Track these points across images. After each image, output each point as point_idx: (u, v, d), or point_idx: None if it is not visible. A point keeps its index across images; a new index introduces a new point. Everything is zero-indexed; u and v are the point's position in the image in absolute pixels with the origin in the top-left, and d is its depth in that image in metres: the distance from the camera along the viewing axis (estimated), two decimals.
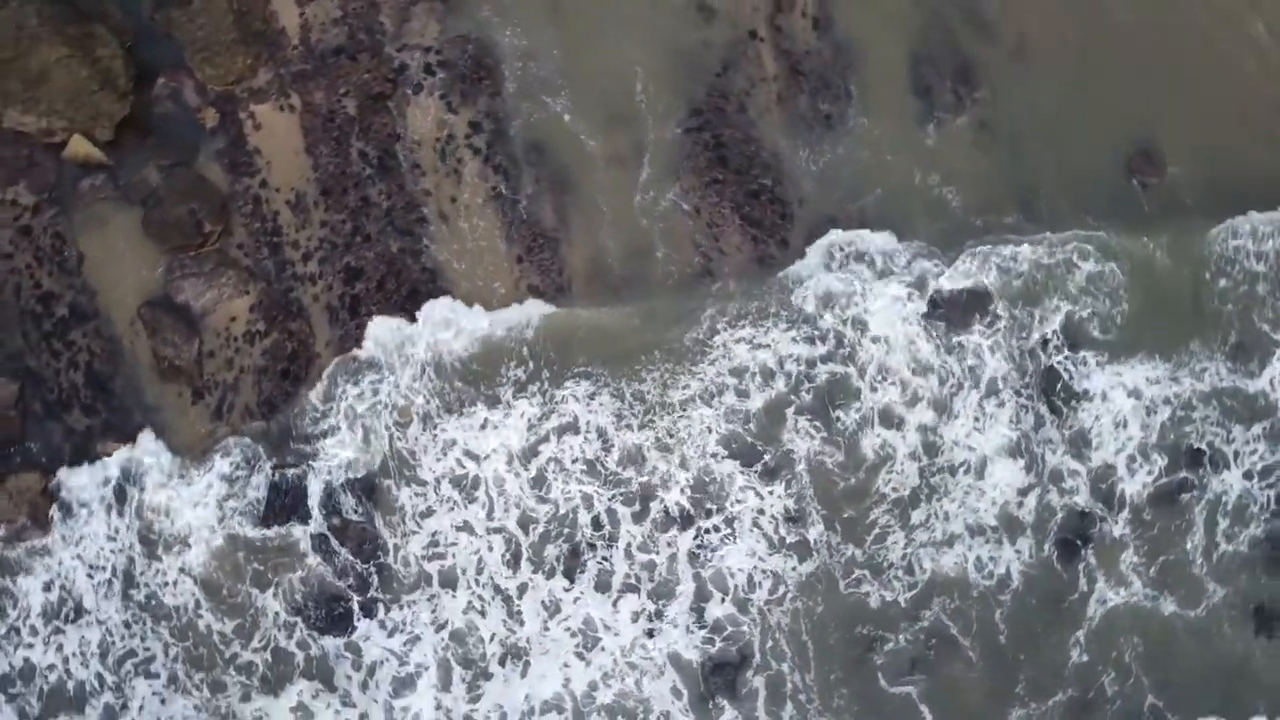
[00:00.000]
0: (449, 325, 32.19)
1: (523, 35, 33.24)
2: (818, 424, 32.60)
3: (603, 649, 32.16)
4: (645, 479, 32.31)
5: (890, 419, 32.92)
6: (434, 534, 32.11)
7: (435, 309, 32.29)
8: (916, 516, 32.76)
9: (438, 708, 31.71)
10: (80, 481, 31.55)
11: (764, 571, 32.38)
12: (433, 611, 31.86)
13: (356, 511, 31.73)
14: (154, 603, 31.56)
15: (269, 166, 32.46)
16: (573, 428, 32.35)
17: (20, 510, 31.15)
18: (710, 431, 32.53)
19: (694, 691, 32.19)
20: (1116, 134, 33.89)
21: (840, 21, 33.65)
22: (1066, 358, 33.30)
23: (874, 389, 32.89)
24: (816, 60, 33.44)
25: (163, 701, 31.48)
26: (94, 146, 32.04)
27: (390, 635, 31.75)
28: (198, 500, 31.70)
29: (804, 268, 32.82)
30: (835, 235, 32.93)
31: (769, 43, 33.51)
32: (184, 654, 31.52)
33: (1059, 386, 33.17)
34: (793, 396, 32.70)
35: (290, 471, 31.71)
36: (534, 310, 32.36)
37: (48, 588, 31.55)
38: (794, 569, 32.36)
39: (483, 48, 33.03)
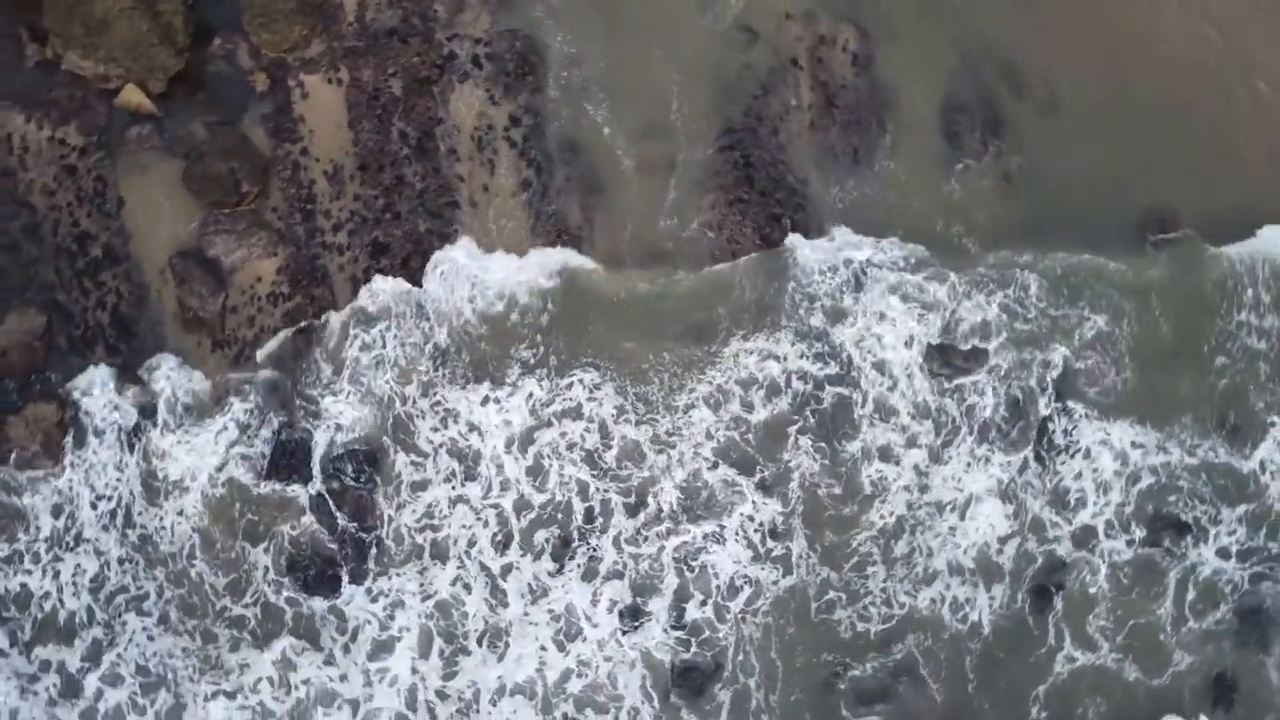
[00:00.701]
0: (464, 280, 33.11)
1: (571, 40, 34.37)
2: (821, 445, 33.53)
3: (582, 639, 33.14)
4: (642, 474, 33.26)
5: (889, 455, 33.67)
6: (429, 506, 33.08)
7: (455, 253, 33.41)
8: (899, 549, 33.56)
9: (413, 672, 32.71)
10: (97, 405, 32.64)
11: (745, 578, 33.28)
12: (421, 583, 32.86)
13: (357, 479, 32.79)
14: (151, 545, 32.64)
15: (311, 136, 33.68)
16: (575, 415, 33.24)
17: (34, 438, 32.38)
18: (710, 437, 33.41)
19: (664, 692, 33.12)
20: (1133, 193, 34.69)
21: (880, 60, 34.74)
22: (1059, 409, 33.95)
23: (873, 424, 33.67)
24: (852, 95, 34.50)
25: (150, 638, 32.48)
26: (146, 97, 33.29)
27: (374, 600, 32.74)
28: (206, 444, 32.72)
29: (815, 260, 33.72)
30: (845, 235, 33.91)
31: (808, 72, 34.56)
32: (178, 600, 32.59)
33: (1045, 439, 33.94)
34: (796, 416, 33.55)
35: (296, 432, 32.81)
36: (554, 261, 33.36)
37: (56, 512, 32.57)
38: (774, 582, 33.26)
39: (530, 45, 34.20)
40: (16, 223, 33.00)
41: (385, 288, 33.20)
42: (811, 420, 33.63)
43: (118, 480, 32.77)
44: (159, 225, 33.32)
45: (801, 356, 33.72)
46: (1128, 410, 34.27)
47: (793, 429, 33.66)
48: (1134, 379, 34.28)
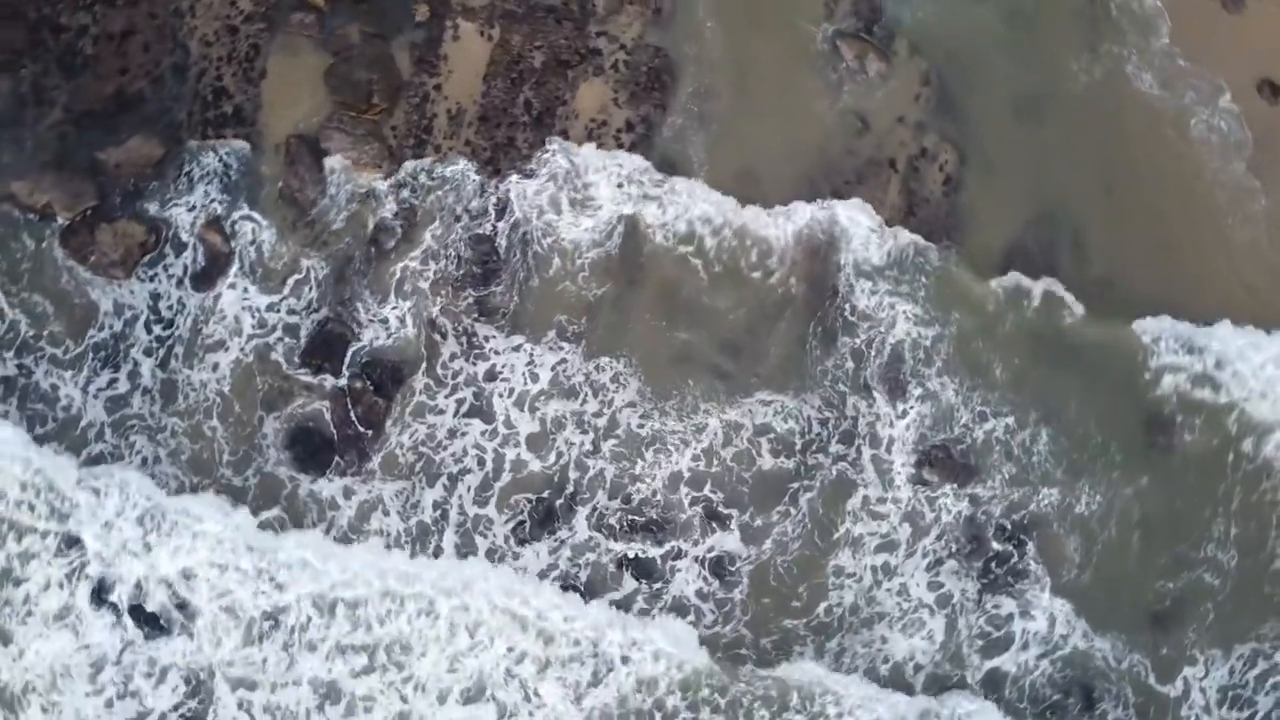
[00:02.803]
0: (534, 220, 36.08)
1: (704, 78, 37.44)
2: (819, 515, 35.65)
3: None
4: (634, 471, 35.70)
5: (860, 549, 35.79)
6: (431, 429, 35.53)
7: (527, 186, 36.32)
8: (831, 644, 35.47)
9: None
10: (182, 214, 35.97)
11: (694, 606, 35.39)
12: (403, 504, 35.40)
13: (378, 388, 35.54)
14: (177, 392, 35.54)
15: (449, 75, 36.98)
16: (594, 394, 35.80)
17: (116, 250, 35.63)
18: (711, 462, 35.81)
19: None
20: (1145, 397, 37.04)
21: (967, 188, 37.38)
22: (1016, 553, 35.95)
23: (859, 518, 35.87)
24: (932, 210, 37.18)
25: (157, 460, 35.14)
26: None
27: (348, 497, 35.23)
28: (261, 310, 35.72)
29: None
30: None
31: (901, 177, 37.30)
32: (189, 453, 35.30)
33: (991, 575, 36.01)
34: (803, 480, 35.81)
35: (339, 327, 35.76)
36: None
37: (118, 313, 35.58)
38: (706, 625, 35.33)
39: (666, 66, 37.33)
40: (169, 60, 36.50)
41: (469, 172, 36.43)
42: (814, 491, 35.88)
43: (175, 312, 35.62)
44: (290, 105, 36.62)
45: (822, 425, 36.07)
46: (1072, 594, 36.16)
47: (794, 486, 35.76)
48: (1091, 576, 36.21)
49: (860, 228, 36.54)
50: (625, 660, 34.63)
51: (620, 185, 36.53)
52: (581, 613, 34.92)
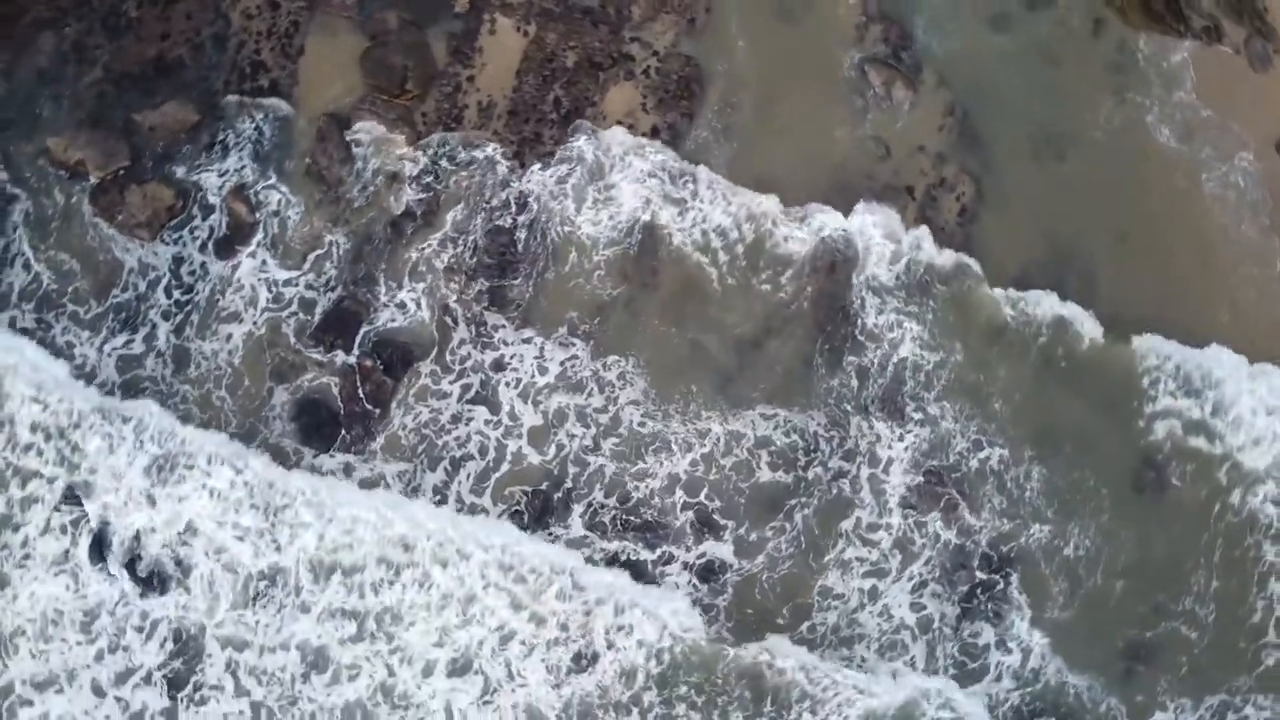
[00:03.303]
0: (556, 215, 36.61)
1: (732, 93, 38.03)
2: (814, 534, 35.97)
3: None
4: (631, 470, 36.15)
5: (849, 570, 36.03)
6: (435, 413, 36.01)
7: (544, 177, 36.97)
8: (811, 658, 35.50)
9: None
10: (211, 179, 36.70)
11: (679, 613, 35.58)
12: (404, 486, 35.84)
13: (387, 369, 36.08)
14: (190, 360, 36.14)
15: (482, 68, 37.67)
16: (599, 390, 36.22)
17: (144, 211, 36.41)
18: (709, 469, 36.15)
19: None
20: (1140, 442, 37.45)
21: (982, 220, 37.90)
22: (1001, 583, 36.27)
23: (851, 541, 36.17)
24: (945, 240, 37.67)
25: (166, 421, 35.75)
26: None
27: (350, 474, 35.69)
28: (279, 282, 36.32)
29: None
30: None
31: (917, 203, 37.88)
32: (197, 424, 35.78)
33: (975, 600, 36.29)
34: (800, 497, 36.22)
35: (354, 305, 36.34)
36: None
37: (143, 273, 36.18)
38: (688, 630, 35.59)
39: (696, 76, 37.95)
40: (210, 29, 37.35)
41: (496, 156, 37.09)
42: (810, 509, 36.19)
43: (196, 278, 36.23)
44: (325, 85, 37.36)
45: (826, 442, 36.49)
46: (1051, 630, 36.44)
47: (791, 502, 36.13)
48: (1071, 614, 36.52)
49: (875, 240, 37.23)
50: (610, 646, 35.10)
51: (643, 180, 37.24)
52: (579, 574, 35.30)
